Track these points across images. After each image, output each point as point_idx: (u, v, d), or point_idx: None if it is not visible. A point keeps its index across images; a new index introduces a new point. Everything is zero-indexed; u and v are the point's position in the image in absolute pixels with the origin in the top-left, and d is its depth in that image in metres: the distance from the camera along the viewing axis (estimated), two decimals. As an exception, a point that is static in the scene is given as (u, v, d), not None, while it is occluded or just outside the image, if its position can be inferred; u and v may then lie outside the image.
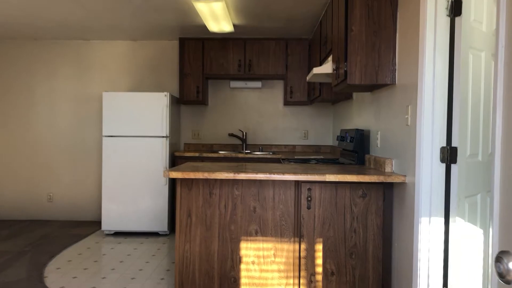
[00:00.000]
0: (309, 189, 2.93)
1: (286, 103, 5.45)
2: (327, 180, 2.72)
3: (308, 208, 2.94)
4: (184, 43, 5.44)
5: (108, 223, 5.09)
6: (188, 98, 5.45)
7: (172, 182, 5.24)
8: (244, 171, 2.81)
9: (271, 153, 5.56)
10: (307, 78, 4.11)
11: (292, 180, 2.94)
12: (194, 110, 5.81)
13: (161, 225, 5.09)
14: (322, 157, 4.62)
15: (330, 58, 3.73)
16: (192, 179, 2.95)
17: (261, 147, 5.72)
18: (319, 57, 4.39)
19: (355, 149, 3.63)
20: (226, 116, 5.80)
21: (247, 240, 2.98)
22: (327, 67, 3.62)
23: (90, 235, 5.08)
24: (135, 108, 5.08)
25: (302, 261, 2.95)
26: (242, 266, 2.98)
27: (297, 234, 2.97)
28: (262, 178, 2.76)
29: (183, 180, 2.99)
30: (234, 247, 2.98)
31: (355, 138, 3.63)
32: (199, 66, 5.44)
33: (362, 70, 2.92)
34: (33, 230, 5.25)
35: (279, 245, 2.97)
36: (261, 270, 2.98)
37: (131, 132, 5.07)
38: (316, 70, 3.64)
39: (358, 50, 2.92)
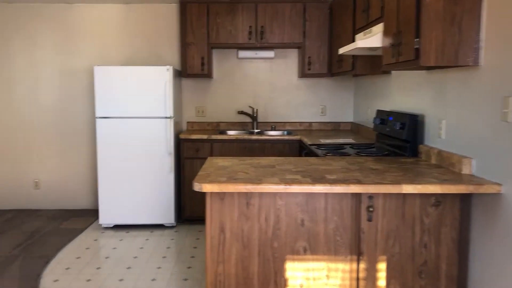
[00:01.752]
0: (370, 197, 2.38)
1: (303, 75, 4.82)
2: (403, 191, 2.17)
3: (369, 220, 2.40)
4: (186, 7, 4.70)
5: (106, 216, 4.49)
6: (191, 70, 4.77)
7: (178, 169, 4.63)
8: (298, 181, 2.22)
9: (285, 132, 4.97)
10: (341, 50, 3.48)
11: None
12: (197, 84, 5.14)
13: (167, 217, 4.52)
14: (353, 141, 4.05)
15: (374, 29, 3.10)
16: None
17: (274, 126, 5.12)
18: (352, 25, 3.74)
19: (407, 138, 3.07)
20: (233, 90, 5.15)
21: (293, 259, 2.44)
22: (374, 40, 2.99)
23: (86, 230, 4.49)
24: (133, 85, 4.39)
25: (361, 283, 2.44)
26: (288, 290, 2.46)
27: (355, 251, 2.44)
28: (321, 191, 2.18)
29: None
30: (278, 268, 2.44)
31: (407, 125, 3.06)
32: (204, 34, 4.73)
33: (439, 49, 2.31)
34: (21, 224, 4.63)
35: (333, 265, 2.44)
36: (311, 295, 2.46)
37: (129, 112, 4.40)
38: (362, 44, 3.01)
39: (434, 23, 2.30)
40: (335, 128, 5.18)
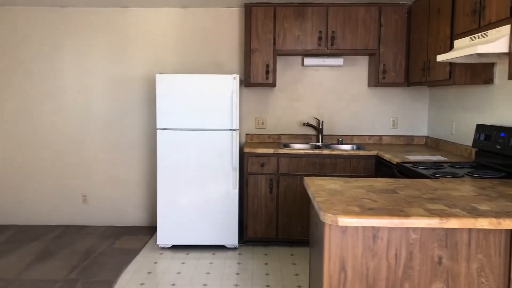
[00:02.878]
0: (524, 232, 1.96)
1: (377, 84, 4.42)
2: None
3: (523, 259, 1.98)
4: (251, 11, 4.36)
5: (165, 235, 4.14)
6: (255, 79, 4.41)
7: (240, 185, 4.26)
8: (453, 214, 1.81)
9: (354, 147, 4.57)
10: (442, 57, 3.08)
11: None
12: (258, 94, 4.78)
13: (230, 237, 4.14)
14: (444, 158, 3.62)
15: (494, 32, 2.69)
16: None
17: (341, 139, 4.72)
18: (450, 29, 3.34)
19: (534, 159, 2.64)
20: (296, 101, 4.77)
21: (427, 304, 2.03)
22: (499, 45, 2.58)
23: (142, 250, 4.14)
24: (196, 95, 4.05)
25: (510, 335, 2.01)
26: None
27: (503, 296, 2.02)
28: (485, 227, 1.77)
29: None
30: (409, 315, 2.03)
31: (534, 143, 2.64)
32: (270, 39, 4.38)
33: None
34: (71, 243, 4.31)
35: (475, 312, 2.02)
36: None
37: (192, 124, 4.06)
38: (483, 49, 2.61)
39: None
40: (408, 142, 4.76)
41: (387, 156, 3.80)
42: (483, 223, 1.74)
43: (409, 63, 4.33)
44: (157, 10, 4.73)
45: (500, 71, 3.33)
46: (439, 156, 3.76)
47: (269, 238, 4.25)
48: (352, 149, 4.33)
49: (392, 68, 4.38)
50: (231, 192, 4.11)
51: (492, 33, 2.74)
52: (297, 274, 3.61)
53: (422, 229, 1.99)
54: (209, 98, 4.05)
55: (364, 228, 2.01)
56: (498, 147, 3.02)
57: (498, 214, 1.80)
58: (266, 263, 3.84)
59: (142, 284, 3.41)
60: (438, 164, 3.23)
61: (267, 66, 4.39)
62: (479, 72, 3.38)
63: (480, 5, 2.89)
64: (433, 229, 2.00)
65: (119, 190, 4.88)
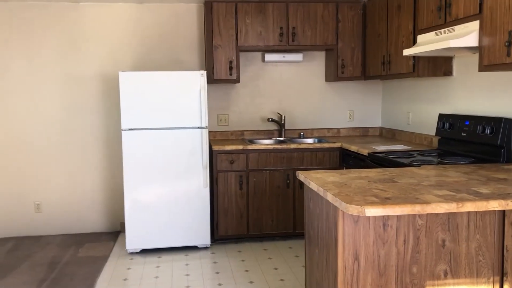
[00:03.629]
0: (515, 211, 2.14)
1: (336, 78, 4.55)
2: None
3: (514, 236, 2.16)
4: (212, 7, 4.30)
5: (134, 240, 3.99)
6: (219, 76, 4.37)
7: (211, 184, 4.21)
8: (466, 199, 1.93)
9: (316, 140, 4.69)
10: (410, 51, 3.25)
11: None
12: (219, 91, 4.74)
13: (202, 237, 4.09)
14: (409, 147, 3.83)
15: (461, 27, 2.89)
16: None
17: (302, 133, 4.82)
18: (413, 25, 3.52)
19: (501, 144, 2.88)
20: (258, 96, 4.80)
21: (433, 285, 2.15)
22: (469, 39, 2.77)
23: (110, 257, 3.97)
24: (163, 92, 3.94)
25: (505, 307, 2.19)
26: (428, 321, 2.16)
27: (498, 271, 2.19)
28: (495, 209, 1.90)
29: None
30: (417, 297, 2.14)
31: (502, 130, 2.87)
32: (232, 35, 4.36)
33: None
34: (30, 255, 4.02)
35: (474, 288, 2.18)
36: (452, 324, 2.18)
37: (159, 123, 3.95)
38: (456, 43, 2.79)
39: None
40: (364, 133, 4.96)
41: (353, 147, 3.94)
42: (494, 205, 1.88)
43: (365, 57, 4.51)
44: (111, 5, 4.52)
45: (458, 64, 3.58)
46: (402, 145, 3.97)
47: (240, 235, 4.25)
48: (317, 142, 4.44)
49: (350, 62, 4.54)
50: (202, 191, 4.05)
51: (459, 28, 2.93)
52: (276, 268, 3.65)
53: (428, 214, 2.11)
54: (177, 95, 3.95)
55: (375, 217, 2.08)
56: (464, 134, 3.25)
57: (502, 196, 1.94)
58: (242, 260, 3.84)
59: (122, 291, 3.28)
60: (407, 153, 3.41)
61: (231, 62, 4.37)
62: (439, 65, 3.61)
63: (446, 3, 3.08)
64: (437, 214, 2.12)
65: (75, 195, 4.62)
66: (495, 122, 2.95)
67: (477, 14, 2.76)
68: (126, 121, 3.90)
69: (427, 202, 1.85)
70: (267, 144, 4.21)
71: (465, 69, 3.50)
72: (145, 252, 4.06)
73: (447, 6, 3.07)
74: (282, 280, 3.42)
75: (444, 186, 2.18)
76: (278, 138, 4.72)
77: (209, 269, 3.66)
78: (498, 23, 2.54)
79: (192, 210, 4.05)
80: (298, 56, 4.67)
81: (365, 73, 4.53)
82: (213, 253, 4.03)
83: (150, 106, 3.92)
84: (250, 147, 4.16)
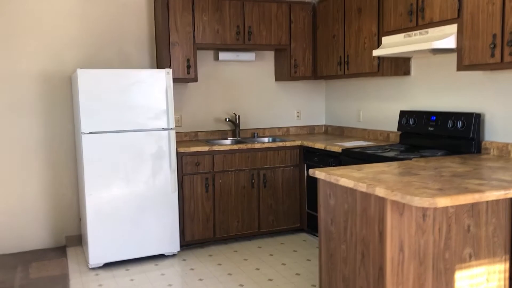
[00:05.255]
0: (521, 195, 2.40)
1: (290, 78, 4.64)
2: None
3: (520, 217, 2.43)
4: (169, 2, 4.09)
5: (97, 253, 3.64)
6: (176, 74, 4.17)
7: (182, 188, 3.99)
8: (504, 186, 2.11)
9: (270, 139, 4.73)
10: (384, 52, 3.46)
11: (507, 186, 2.36)
12: (174, 91, 4.52)
13: (171, 244, 3.87)
14: (371, 143, 4.05)
15: (434, 30, 3.16)
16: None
17: (256, 132, 4.82)
18: (378, 28, 3.74)
19: (473, 136, 3.20)
20: (211, 96, 4.68)
21: (461, 267, 2.33)
22: (449, 42, 3.03)
23: (71, 275, 3.56)
24: (126, 92, 3.65)
25: (514, 281, 2.45)
26: (457, 302, 2.33)
27: (508, 250, 2.44)
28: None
29: (394, 201, 2.13)
30: (449, 280, 2.30)
31: (473, 124, 3.19)
32: (189, 33, 4.19)
33: None
34: (-32, 283, 3.44)
35: (491, 267, 2.40)
36: (475, 302, 2.38)
37: (122, 126, 3.65)
38: (438, 45, 3.03)
39: None
40: (311, 131, 5.13)
41: (319, 145, 4.06)
42: (530, 190, 2.09)
43: (316, 58, 4.66)
44: (49, -5, 4.05)
45: (415, 64, 3.89)
46: (361, 141, 4.18)
47: (206, 239, 4.11)
48: (278, 141, 4.47)
49: (302, 62, 4.66)
50: (170, 196, 3.84)
51: (434, 31, 3.19)
52: (258, 269, 3.61)
53: (457, 203, 2.27)
54: (141, 95, 3.69)
55: (416, 209, 2.18)
56: (431, 129, 3.55)
57: (528, 182, 2.18)
58: (219, 264, 3.73)
59: (108, 311, 2.97)
60: (381, 148, 3.62)
61: (188, 60, 4.20)
62: (400, 65, 3.88)
63: (418, 7, 3.32)
64: (464, 202, 2.29)
65: (13, 209, 4.06)
66: (466, 116, 3.27)
67: (456, 18, 3.03)
68: (86, 124, 3.53)
69: (481, 191, 2.00)
70: (231, 145, 4.13)
71: (421, 69, 3.81)
72: (108, 266, 3.73)
73: (419, 10, 3.31)
74: (270, 280, 3.40)
75: (464, 176, 2.37)
76: (234, 138, 4.66)
77: (190, 276, 3.49)
78: (481, 27, 2.82)
79: (160, 217, 3.81)
80: (251, 56, 4.66)
81: (316, 73, 4.68)
82: (184, 259, 3.84)
83: (112, 107, 3.60)
84: (216, 148, 4.05)
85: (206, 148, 4.01)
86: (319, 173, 2.58)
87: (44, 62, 4.06)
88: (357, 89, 4.61)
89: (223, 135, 4.73)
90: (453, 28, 3.05)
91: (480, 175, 2.37)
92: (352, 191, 2.37)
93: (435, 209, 2.22)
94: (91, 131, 3.54)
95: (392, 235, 2.15)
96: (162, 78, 3.74)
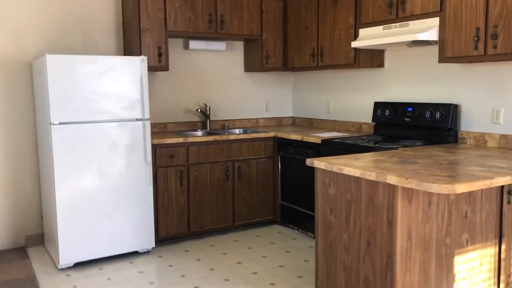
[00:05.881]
0: None
1: (261, 69, 4.58)
2: None
3: (509, 202, 2.54)
4: (139, -15, 3.89)
5: (67, 252, 3.39)
6: (148, 63, 3.97)
7: (156, 181, 3.81)
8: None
9: (241, 131, 4.66)
10: (366, 43, 3.49)
11: (499, 173, 2.46)
12: (139, 79, 4.31)
13: (146, 241, 3.70)
14: (345, 134, 4.09)
15: (415, 23, 3.23)
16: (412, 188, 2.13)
17: (226, 124, 4.72)
18: (355, 20, 3.77)
19: (450, 127, 3.32)
20: (180, 86, 4.52)
21: (459, 253, 2.40)
22: (431, 34, 3.11)
23: (39, 277, 3.30)
24: (98, 80, 3.42)
25: (502, 263, 2.57)
26: (455, 286, 2.40)
27: (498, 235, 2.55)
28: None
29: (404, 189, 2.15)
30: (448, 265, 2.36)
31: (451, 114, 3.31)
32: (160, 19, 4.01)
33: (552, 43, 2.61)
34: None
35: (484, 251, 2.50)
36: (470, 285, 2.46)
37: (93, 116, 3.42)
38: (423, 37, 3.10)
39: (550, 20, 2.58)
40: (279, 123, 5.11)
41: (295, 136, 4.04)
42: (531, 176, 2.19)
43: (287, 49, 4.64)
44: (6, -27, 3.71)
45: (389, 57, 3.97)
46: (335, 132, 4.22)
47: (180, 234, 3.98)
48: (252, 132, 4.39)
49: (273, 53, 4.62)
50: (144, 190, 3.66)
51: (415, 23, 3.27)
52: (239, 263, 3.54)
53: (458, 190, 2.33)
54: (114, 84, 3.47)
55: (423, 196, 2.22)
56: (407, 119, 3.64)
57: (526, 168, 2.27)
58: (198, 259, 3.61)
59: (91, 313, 2.77)
60: (359, 138, 3.66)
61: (160, 48, 4.02)
62: (375, 57, 3.95)
63: (398, 0, 3.38)
64: (463, 188, 2.36)
65: (-36, 208, 3.70)
66: (443, 107, 3.38)
67: (438, 12, 3.11)
68: (56, 114, 3.27)
69: (491, 177, 2.06)
70: (206, 136, 4.02)
71: (395, 61, 3.90)
72: (79, 265, 3.49)
73: (399, 3, 3.37)
74: (254, 273, 3.34)
75: (462, 163, 2.44)
76: (205, 130, 4.54)
77: (170, 273, 3.35)
78: (464, 20, 2.92)
79: (134, 212, 3.63)
80: (221, 45, 4.55)
81: (287, 64, 4.66)
82: (160, 256, 3.69)
83: (84, 96, 3.36)
84: (190, 139, 3.91)
85: (180, 140, 3.87)
86: (318, 163, 2.55)
87: (3, 48, 3.72)
88: (327, 81, 4.64)
89: (192, 126, 4.59)
90: (435, 21, 3.13)
91: (476, 163, 2.45)
92: (356, 180, 2.37)
93: (439, 196, 2.27)
94: (61, 121, 3.29)
95: (402, 222, 2.17)
96: (137, 65, 3.54)
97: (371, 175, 2.21)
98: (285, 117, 5.14)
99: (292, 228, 4.30)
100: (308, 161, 2.62)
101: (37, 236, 3.96)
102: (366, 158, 2.61)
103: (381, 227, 2.24)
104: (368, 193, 2.31)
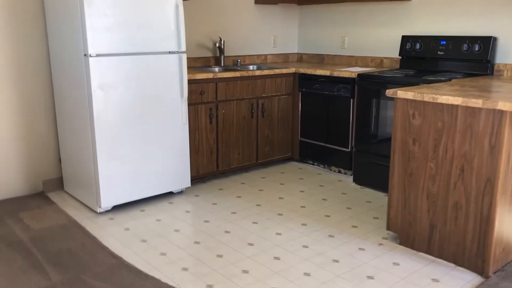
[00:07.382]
0: None
1: (271, 1, 4.40)
2: None
3: None
4: None
5: (108, 196, 3.20)
6: (169, -9, 3.65)
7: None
8: None
9: (255, 67, 4.51)
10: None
11: None
12: (152, 10, 3.97)
13: (182, 180, 3.56)
14: (376, 69, 4.10)
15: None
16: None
17: (239, 60, 4.53)
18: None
19: (489, 59, 3.43)
20: (192, 20, 4.23)
21: (535, 176, 2.54)
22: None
23: (82, 223, 3.09)
24: (133, 8, 3.10)
25: None
26: (529, 206, 2.56)
27: None
28: None
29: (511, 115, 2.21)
30: None
31: (491, 47, 3.41)
32: None
33: None
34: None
35: None
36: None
37: (128, 48, 3.13)
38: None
39: None
40: (285, 59, 5.00)
41: (321, 71, 3.99)
42: None
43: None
44: None
45: (416, -10, 3.95)
46: (358, 67, 4.22)
47: (210, 173, 3.88)
48: (275, 68, 4.23)
49: (288, -15, 4.42)
50: (181, 128, 3.48)
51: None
52: (281, 198, 3.54)
53: None
54: (150, 12, 3.17)
55: (520, 122, 2.30)
56: (441, 53, 3.70)
57: None
58: (238, 196, 3.56)
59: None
60: (395, 72, 3.68)
61: (181, -25, 3.69)
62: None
63: None
64: None
65: (-25, 153, 3.32)
66: (482, 40, 3.46)
67: None
68: (93, 45, 2.94)
69: None
70: (233, 71, 3.84)
71: (424, -5, 3.90)
72: (116, 209, 3.32)
73: None
74: (303, 206, 3.37)
75: (542, 91, 2.55)
76: (220, 66, 4.33)
77: (220, 212, 3.27)
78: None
79: (171, 151, 3.46)
80: (236, -26, 4.27)
81: (302, -4, 4.50)
82: (196, 195, 3.59)
83: (120, 26, 3.04)
84: (219, 75, 3.73)
85: (210, 76, 3.67)
86: (404, 93, 2.54)
87: (8, -33, 3.23)
88: (342, 15, 4.55)
89: (206, 62, 4.37)
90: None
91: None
92: (450, 108, 2.39)
93: None
94: (99, 53, 2.98)
95: (505, 148, 2.25)
96: (171, -7, 3.24)
97: (477, 102, 2.24)
98: (291, 53, 5.03)
99: (312, 164, 4.34)
100: (390, 92, 2.61)
101: (55, 181, 3.67)
102: (443, 89, 2.64)
103: (480, 153, 2.31)
104: (466, 121, 2.35)
